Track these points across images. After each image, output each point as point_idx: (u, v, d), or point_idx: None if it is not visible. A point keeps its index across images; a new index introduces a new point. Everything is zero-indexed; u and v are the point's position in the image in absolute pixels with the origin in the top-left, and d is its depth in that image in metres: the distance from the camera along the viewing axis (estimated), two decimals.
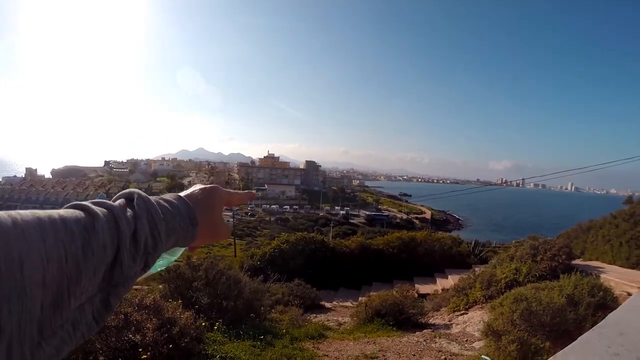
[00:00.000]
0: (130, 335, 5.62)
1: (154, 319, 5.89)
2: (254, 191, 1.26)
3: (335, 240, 23.57)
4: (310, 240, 21.06)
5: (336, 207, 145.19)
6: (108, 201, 0.76)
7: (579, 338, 2.72)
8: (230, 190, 1.14)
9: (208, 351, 6.36)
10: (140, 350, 5.41)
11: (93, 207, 0.72)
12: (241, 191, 1.20)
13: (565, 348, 2.58)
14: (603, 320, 2.79)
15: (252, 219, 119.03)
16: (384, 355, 7.60)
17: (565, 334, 6.33)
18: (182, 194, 0.99)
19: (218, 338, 7.14)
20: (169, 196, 0.93)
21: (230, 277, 8.95)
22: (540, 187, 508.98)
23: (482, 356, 6.86)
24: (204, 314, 7.72)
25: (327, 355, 7.56)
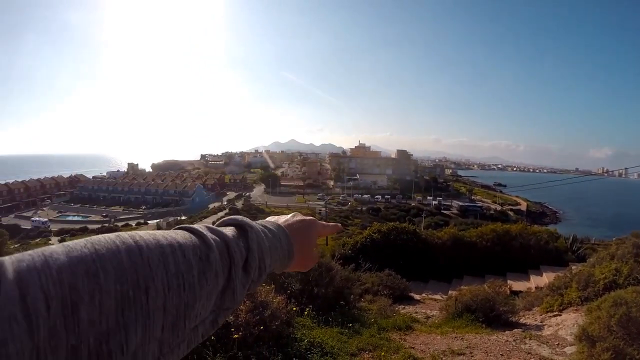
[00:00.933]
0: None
1: (247, 301, 6.22)
2: (339, 224, 1.34)
3: (427, 231, 23.34)
4: (402, 230, 21.03)
5: (428, 197, 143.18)
6: (222, 230, 0.87)
7: None
8: (324, 222, 1.23)
9: (297, 335, 6.62)
10: (233, 330, 5.73)
11: (208, 235, 0.81)
12: (332, 223, 1.29)
13: None
14: None
15: (344, 208, 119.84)
16: (471, 352, 7.56)
17: None
18: (282, 221, 1.10)
19: (307, 323, 7.43)
20: (270, 224, 1.03)
21: (322, 265, 9.22)
22: None
23: None
24: (295, 299, 8.05)
25: (413, 348, 7.63)
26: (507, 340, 8.45)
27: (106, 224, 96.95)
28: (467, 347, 7.84)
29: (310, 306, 8.07)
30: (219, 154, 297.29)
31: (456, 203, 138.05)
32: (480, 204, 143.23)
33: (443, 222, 79.64)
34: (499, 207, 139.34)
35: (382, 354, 6.77)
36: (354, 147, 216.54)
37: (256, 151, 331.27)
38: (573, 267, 14.62)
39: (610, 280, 10.53)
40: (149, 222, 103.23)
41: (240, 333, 5.73)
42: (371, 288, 14.52)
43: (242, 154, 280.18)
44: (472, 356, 7.42)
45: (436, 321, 10.92)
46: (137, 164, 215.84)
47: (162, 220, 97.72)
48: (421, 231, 22.63)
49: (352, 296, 10.01)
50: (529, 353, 7.76)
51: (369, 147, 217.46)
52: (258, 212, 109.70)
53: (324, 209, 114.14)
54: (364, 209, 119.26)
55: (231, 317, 5.86)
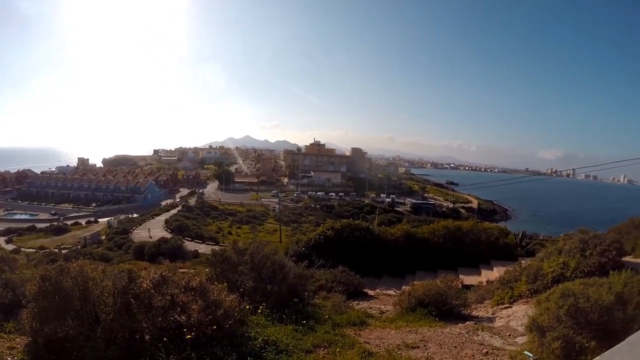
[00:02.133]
0: (176, 316, 5.85)
1: (199, 301, 6.10)
2: None
3: (381, 228, 23.53)
4: (355, 227, 21.11)
5: (382, 195, 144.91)
6: None
7: (627, 339, 2.66)
8: None
9: (251, 334, 6.53)
10: (185, 330, 5.60)
11: None
12: None
13: (612, 348, 2.53)
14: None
15: (298, 205, 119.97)
16: (425, 346, 7.64)
17: (612, 334, 6.14)
18: None
19: (261, 321, 7.33)
20: None
21: (275, 262, 9.14)
22: (591, 179, 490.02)
23: (525, 352, 6.77)
24: (249, 297, 7.92)
25: (368, 343, 7.64)
26: (460, 333, 8.61)
27: (55, 223, 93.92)
28: (420, 341, 7.92)
29: (264, 304, 7.95)
30: (172, 149, 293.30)
31: (409, 200, 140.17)
32: (432, 201, 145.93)
33: (396, 219, 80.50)
34: (451, 205, 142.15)
35: (337, 349, 6.74)
36: (309, 144, 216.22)
37: (210, 147, 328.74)
38: (523, 262, 14.95)
39: (558, 274, 10.86)
40: (99, 220, 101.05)
41: (193, 333, 5.61)
42: (325, 285, 14.50)
43: (196, 150, 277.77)
44: (426, 349, 7.48)
45: (390, 316, 11.05)
46: (88, 159, 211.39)
47: (113, 218, 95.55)
48: (374, 228, 22.78)
49: (305, 293, 9.93)
50: (481, 344, 7.92)
51: (324, 145, 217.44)
52: (211, 209, 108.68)
53: (278, 206, 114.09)
54: (317, 206, 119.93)
55: (183, 317, 5.78)
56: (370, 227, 22.36)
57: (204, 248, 64.86)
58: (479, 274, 18.44)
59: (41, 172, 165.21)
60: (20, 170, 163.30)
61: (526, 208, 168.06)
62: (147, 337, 5.85)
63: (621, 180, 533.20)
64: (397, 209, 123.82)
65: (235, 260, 9.09)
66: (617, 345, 2.52)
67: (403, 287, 16.42)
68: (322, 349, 6.92)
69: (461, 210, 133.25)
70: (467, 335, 8.39)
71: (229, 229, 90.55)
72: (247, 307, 7.07)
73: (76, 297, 6.13)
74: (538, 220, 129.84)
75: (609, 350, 2.54)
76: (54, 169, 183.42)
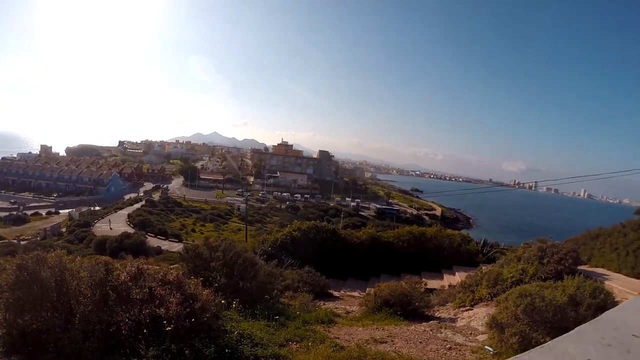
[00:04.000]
0: (155, 309, 5.96)
1: (177, 294, 6.22)
2: None
3: (347, 231, 23.79)
4: (321, 229, 21.36)
5: (347, 199, 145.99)
6: None
7: (576, 328, 2.96)
8: None
9: (227, 327, 6.70)
10: (165, 322, 5.73)
11: None
12: None
13: (563, 335, 2.81)
14: (600, 316, 3.05)
15: (263, 205, 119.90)
16: (392, 341, 7.98)
17: (565, 332, 6.61)
18: None
19: (234, 316, 7.51)
20: None
21: (247, 259, 9.34)
22: (552, 192, 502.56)
23: (485, 347, 7.24)
24: (222, 292, 8.07)
25: (337, 338, 7.90)
26: (425, 330, 9.02)
27: (14, 212, 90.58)
28: (388, 336, 8.28)
29: (236, 300, 8.13)
30: (138, 141, 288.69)
31: (374, 205, 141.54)
32: (397, 207, 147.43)
33: (360, 223, 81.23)
34: (415, 211, 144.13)
35: (309, 343, 7.02)
36: (276, 144, 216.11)
37: (177, 141, 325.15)
38: (483, 268, 15.43)
39: (517, 279, 11.40)
40: (60, 211, 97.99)
41: (172, 326, 5.73)
42: (291, 284, 14.69)
43: (162, 144, 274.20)
44: (393, 344, 7.83)
45: (356, 315, 11.39)
46: (51, 147, 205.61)
47: (74, 210, 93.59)
48: (340, 231, 23.04)
49: (275, 291, 10.17)
50: (445, 340, 8.34)
51: (292, 146, 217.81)
52: (175, 205, 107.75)
53: (243, 205, 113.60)
54: (283, 206, 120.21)
55: (162, 310, 5.89)
56: (337, 229, 22.63)
57: (167, 245, 64.30)
58: (442, 278, 18.93)
59: (1, 158, 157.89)
60: None
61: (488, 217, 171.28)
62: (124, 329, 5.91)
63: (581, 194, 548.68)
64: (362, 213, 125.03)
65: (208, 257, 9.24)
66: (568, 333, 2.80)
67: (367, 289, 16.73)
68: (295, 343, 7.17)
69: (425, 217, 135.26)
70: (431, 333, 8.79)
71: (192, 227, 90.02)
72: (222, 301, 7.23)
73: (53, 288, 6.11)
74: (499, 230, 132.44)
75: (560, 336, 2.83)
76: (15, 155, 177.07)
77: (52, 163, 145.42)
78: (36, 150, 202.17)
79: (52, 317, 5.99)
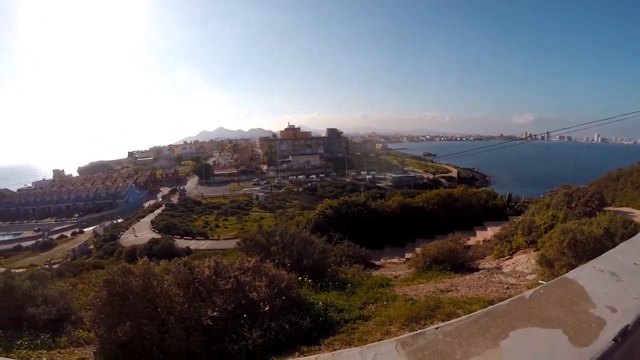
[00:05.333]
0: (247, 294, 6.63)
1: (263, 278, 6.93)
2: None
3: (377, 202, 24.30)
4: (352, 203, 21.97)
5: (362, 172, 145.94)
6: None
7: (618, 245, 3.46)
8: None
9: (310, 300, 7.45)
10: (261, 304, 6.39)
11: None
12: None
13: (609, 251, 3.31)
14: (635, 236, 3.54)
15: (280, 191, 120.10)
16: (455, 289, 8.77)
17: None
18: None
19: (307, 291, 8.27)
20: None
21: (304, 239, 10.00)
22: (565, 140, 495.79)
23: (539, 281, 7.95)
24: (288, 272, 8.81)
25: (406, 294, 8.65)
26: (480, 277, 9.89)
27: (40, 239, 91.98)
28: (451, 286, 9.09)
29: (306, 276, 8.80)
30: (147, 149, 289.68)
31: (389, 175, 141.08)
32: (413, 174, 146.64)
33: (379, 194, 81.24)
34: (431, 176, 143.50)
35: (384, 302, 7.80)
36: (283, 129, 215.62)
37: (185, 143, 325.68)
38: (515, 219, 16.01)
39: (549, 225, 12.02)
40: (84, 229, 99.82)
41: (267, 306, 6.36)
42: (335, 260, 15.33)
43: (171, 147, 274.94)
44: (457, 291, 8.62)
45: (410, 276, 12.04)
46: (63, 170, 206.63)
47: (98, 226, 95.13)
48: (370, 202, 23.55)
49: (332, 265, 10.85)
50: (500, 283, 9.18)
51: (299, 128, 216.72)
52: (195, 204, 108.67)
53: (261, 194, 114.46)
54: (300, 189, 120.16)
55: (254, 294, 6.58)
56: (367, 202, 23.20)
57: (194, 244, 65.41)
58: (474, 235, 19.54)
59: (17, 190, 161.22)
60: None
61: (505, 173, 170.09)
62: (221, 318, 6.42)
63: (595, 139, 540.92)
64: (379, 184, 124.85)
65: (265, 243, 9.93)
66: (599, 257, 3.21)
67: (411, 252, 17.47)
68: (371, 304, 7.91)
69: (441, 180, 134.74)
70: (486, 279, 9.60)
71: (215, 222, 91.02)
72: (299, 278, 7.95)
73: (144, 294, 6.46)
74: (517, 183, 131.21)
75: (592, 260, 3.28)
76: (30, 185, 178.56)
77: (67, 185, 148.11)
78: (49, 176, 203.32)
79: (150, 322, 6.36)
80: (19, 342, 7.89)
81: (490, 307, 2.10)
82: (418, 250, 15.13)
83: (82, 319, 8.93)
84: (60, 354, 7.56)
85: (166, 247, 55.04)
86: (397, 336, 5.72)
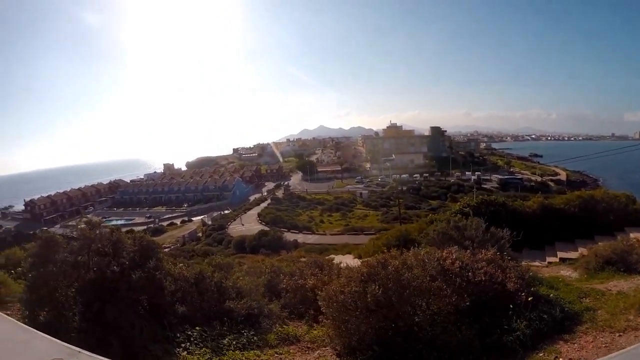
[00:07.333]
0: (497, 286, 7.01)
1: (511, 272, 7.36)
2: None
3: (517, 202, 24.04)
4: (490, 202, 21.85)
5: (466, 173, 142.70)
6: None
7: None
8: None
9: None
10: (516, 295, 6.82)
11: None
12: None
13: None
14: None
15: (383, 189, 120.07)
16: None
17: None
18: None
19: None
20: None
21: (494, 234, 10.63)
22: None
23: None
24: None
25: (609, 290, 8.71)
26: None
27: (151, 225, 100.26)
28: None
29: None
30: (251, 146, 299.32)
31: (495, 177, 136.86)
32: (519, 176, 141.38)
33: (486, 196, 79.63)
34: (539, 179, 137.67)
35: (597, 297, 7.98)
36: (384, 127, 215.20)
37: (288, 140, 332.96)
38: None
39: None
40: (193, 219, 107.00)
41: (522, 298, 6.86)
42: None
43: (275, 144, 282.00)
44: None
45: (584, 277, 11.91)
46: (173, 164, 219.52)
47: (206, 216, 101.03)
48: (510, 202, 23.33)
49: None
50: None
51: (401, 127, 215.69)
52: (299, 199, 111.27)
53: (364, 191, 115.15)
54: (404, 188, 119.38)
55: (511, 284, 7.08)
56: (507, 201, 23.07)
57: (301, 237, 67.32)
58: (616, 239, 18.78)
59: (131, 181, 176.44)
60: (112, 180, 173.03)
61: (618, 177, 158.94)
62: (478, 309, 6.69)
63: None
64: (484, 186, 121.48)
65: (456, 237, 10.43)
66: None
67: (547, 258, 17.32)
68: (583, 298, 8.09)
69: (550, 183, 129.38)
70: None
71: (320, 218, 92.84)
72: None
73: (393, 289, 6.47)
74: (634, 190, 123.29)
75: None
76: (142, 177, 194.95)
77: (177, 178, 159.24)
78: (160, 169, 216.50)
79: (400, 316, 6.43)
80: (225, 341, 7.74)
81: None
82: (583, 249, 14.97)
83: (273, 312, 9.16)
84: (279, 354, 7.51)
85: (275, 239, 57.08)
86: (637, 323, 6.00)
